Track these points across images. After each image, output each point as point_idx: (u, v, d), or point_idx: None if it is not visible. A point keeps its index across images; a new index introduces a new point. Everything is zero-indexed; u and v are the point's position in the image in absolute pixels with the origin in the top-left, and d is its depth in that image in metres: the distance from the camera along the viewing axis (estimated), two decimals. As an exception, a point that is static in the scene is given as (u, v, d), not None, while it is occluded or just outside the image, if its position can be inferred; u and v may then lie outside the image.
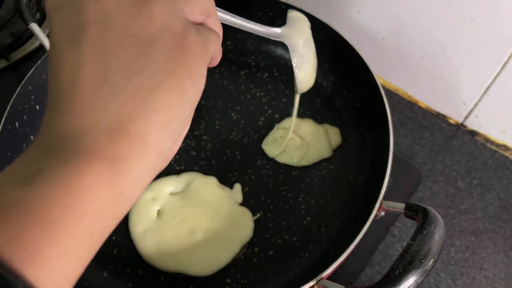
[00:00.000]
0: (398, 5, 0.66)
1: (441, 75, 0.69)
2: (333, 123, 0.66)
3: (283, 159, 0.63)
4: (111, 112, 0.25)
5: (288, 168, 0.62)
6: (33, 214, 0.22)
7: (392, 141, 0.55)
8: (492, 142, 0.70)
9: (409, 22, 0.67)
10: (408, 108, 0.73)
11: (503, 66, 0.62)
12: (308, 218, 0.59)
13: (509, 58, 0.61)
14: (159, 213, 0.58)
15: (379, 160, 0.56)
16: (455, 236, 0.63)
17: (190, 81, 0.27)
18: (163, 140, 0.27)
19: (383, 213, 0.51)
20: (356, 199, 0.59)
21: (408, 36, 0.68)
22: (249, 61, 0.72)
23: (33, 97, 0.60)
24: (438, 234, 0.41)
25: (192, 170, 0.62)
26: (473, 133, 0.71)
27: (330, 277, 0.49)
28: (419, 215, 0.44)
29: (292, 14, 0.55)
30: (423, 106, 0.73)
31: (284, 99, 0.68)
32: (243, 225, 0.58)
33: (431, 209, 0.44)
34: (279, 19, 0.68)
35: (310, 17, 0.63)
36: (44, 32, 0.65)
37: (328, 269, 0.47)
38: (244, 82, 0.70)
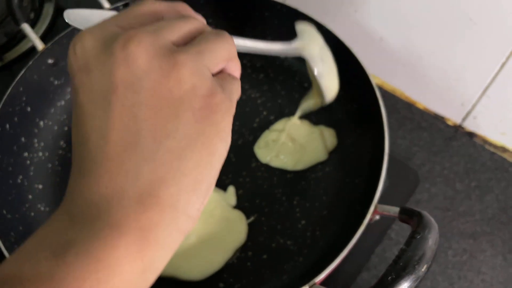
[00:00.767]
0: (396, 4, 0.65)
1: (439, 76, 0.68)
2: (329, 124, 0.65)
3: (277, 163, 0.62)
4: (141, 178, 0.25)
5: (283, 170, 0.62)
6: None
7: (388, 143, 0.55)
8: (491, 144, 0.69)
9: (407, 22, 0.66)
10: (406, 109, 0.73)
11: (502, 66, 0.61)
12: (303, 222, 0.58)
13: (507, 59, 0.60)
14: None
15: (375, 162, 0.56)
16: (453, 239, 0.62)
17: (219, 140, 0.27)
18: (193, 202, 0.27)
19: (378, 217, 0.50)
20: (352, 202, 0.58)
21: (406, 36, 0.68)
22: (245, 61, 0.71)
23: (24, 98, 0.60)
24: (432, 239, 0.41)
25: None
26: (471, 134, 0.70)
27: (326, 281, 0.48)
28: (414, 220, 0.44)
29: (301, 27, 0.54)
30: (421, 107, 0.73)
31: (279, 101, 0.67)
32: (237, 229, 0.57)
33: (425, 213, 0.43)
34: (275, 20, 0.68)
35: (305, 17, 0.63)
36: (36, 33, 0.64)
37: (321, 274, 0.46)
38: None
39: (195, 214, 0.27)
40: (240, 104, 0.67)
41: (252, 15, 0.68)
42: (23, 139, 0.60)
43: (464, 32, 0.61)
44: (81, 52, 0.27)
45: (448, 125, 0.71)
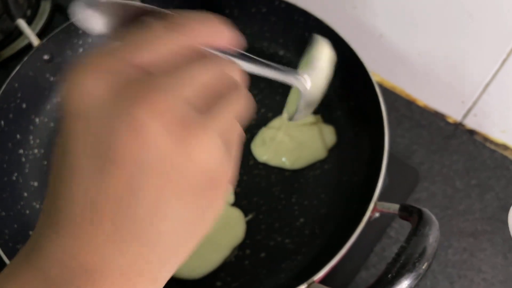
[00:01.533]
0: (396, 1, 0.65)
1: (439, 73, 0.68)
2: (327, 121, 0.64)
3: (274, 162, 0.61)
4: (128, 255, 0.23)
5: (281, 168, 0.61)
6: None
7: (388, 141, 0.54)
8: (491, 142, 0.69)
9: (408, 19, 0.65)
10: (406, 107, 0.72)
11: (502, 63, 0.61)
12: (302, 220, 0.58)
13: (508, 56, 0.60)
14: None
15: (374, 160, 0.55)
16: (453, 237, 0.62)
17: (214, 217, 0.26)
18: (172, 272, 0.26)
19: (377, 215, 0.50)
20: (351, 200, 0.57)
21: (405, 33, 0.67)
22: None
23: (19, 95, 0.59)
24: (432, 236, 0.40)
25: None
26: (472, 132, 0.70)
27: (325, 280, 0.48)
28: (414, 217, 0.43)
29: (315, 48, 0.47)
30: (421, 104, 0.72)
31: (277, 97, 0.66)
32: (235, 227, 0.57)
33: (426, 210, 0.43)
34: (272, 16, 0.67)
35: (304, 13, 0.62)
36: (33, 30, 0.64)
37: (319, 272, 0.46)
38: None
39: (168, 277, 0.26)
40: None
41: (249, 11, 0.67)
42: (18, 136, 0.60)
43: (465, 29, 0.61)
44: (82, 95, 0.24)
45: (448, 123, 0.71)
